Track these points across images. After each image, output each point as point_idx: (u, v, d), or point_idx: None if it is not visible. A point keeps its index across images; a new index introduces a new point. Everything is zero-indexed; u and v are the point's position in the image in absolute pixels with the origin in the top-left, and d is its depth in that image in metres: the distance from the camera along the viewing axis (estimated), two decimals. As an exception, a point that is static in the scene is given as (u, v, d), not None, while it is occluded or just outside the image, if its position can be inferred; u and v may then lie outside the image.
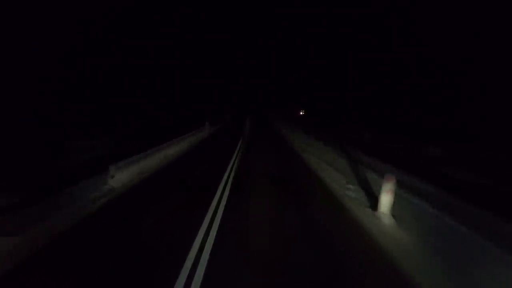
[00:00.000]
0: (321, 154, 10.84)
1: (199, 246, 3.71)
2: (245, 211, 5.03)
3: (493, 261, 3.40)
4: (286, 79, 51.82)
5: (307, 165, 9.46)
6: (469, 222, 4.34)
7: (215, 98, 47.21)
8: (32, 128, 14.48)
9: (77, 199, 5.17)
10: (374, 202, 5.60)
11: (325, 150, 11.75)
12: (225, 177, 7.29)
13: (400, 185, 5.95)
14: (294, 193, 6.28)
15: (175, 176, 7.36)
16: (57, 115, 17.27)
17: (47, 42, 18.91)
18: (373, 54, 31.63)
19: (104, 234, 4.02)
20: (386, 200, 5.00)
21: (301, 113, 41.96)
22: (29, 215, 4.36)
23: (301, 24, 43.90)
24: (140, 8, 27.29)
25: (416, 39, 25.95)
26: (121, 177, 6.61)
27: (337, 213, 5.22)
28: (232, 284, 3.04)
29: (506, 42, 17.67)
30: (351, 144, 15.19)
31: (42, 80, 18.25)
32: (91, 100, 20.68)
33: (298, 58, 47.02)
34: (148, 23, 27.80)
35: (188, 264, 3.30)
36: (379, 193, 5.27)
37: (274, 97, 55.78)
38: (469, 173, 9.62)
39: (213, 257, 3.47)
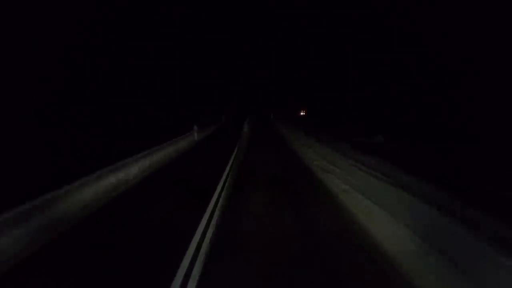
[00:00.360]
0: (353, 178, 6.24)
1: None
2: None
3: None
4: (286, 79, 51.73)
5: (342, 205, 5.33)
6: None
7: (215, 98, 47.17)
8: (32, 128, 14.47)
9: None
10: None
11: (353, 168, 6.67)
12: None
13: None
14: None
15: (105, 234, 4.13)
16: (57, 115, 17.24)
17: (47, 42, 18.91)
18: (373, 54, 31.62)
19: None
20: None
21: (301, 113, 41.86)
22: None
23: (301, 24, 43.88)
24: (140, 8, 27.32)
25: (416, 39, 25.94)
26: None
27: None
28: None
29: (506, 42, 17.64)
30: (372, 153, 9.94)
31: (42, 80, 18.21)
32: (91, 100, 20.64)
33: (298, 58, 46.96)
34: (148, 23, 27.81)
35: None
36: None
37: (274, 97, 55.64)
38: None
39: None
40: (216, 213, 4.80)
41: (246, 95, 58.36)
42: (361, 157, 7.80)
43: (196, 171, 8.09)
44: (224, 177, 7.09)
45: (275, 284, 2.97)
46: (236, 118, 34.41)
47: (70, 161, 8.40)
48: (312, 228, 4.36)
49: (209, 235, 4.02)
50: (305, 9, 43.21)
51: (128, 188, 6.30)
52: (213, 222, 4.45)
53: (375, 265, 3.29)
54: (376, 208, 4.67)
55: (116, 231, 4.24)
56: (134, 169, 7.15)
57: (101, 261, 3.41)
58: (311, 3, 42.93)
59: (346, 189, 6.07)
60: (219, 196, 5.67)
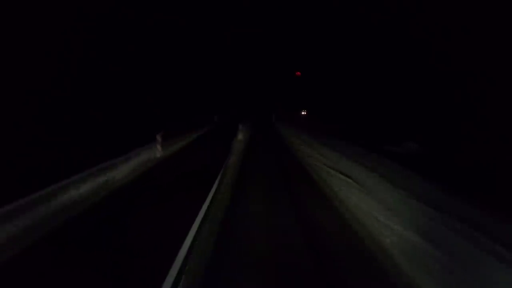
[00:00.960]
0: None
1: None
2: None
3: None
4: (286, 78, 50.54)
5: None
6: None
7: (216, 97, 45.89)
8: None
9: None
10: None
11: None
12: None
13: None
14: None
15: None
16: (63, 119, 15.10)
17: (47, 42, 17.33)
18: (374, 52, 30.04)
19: None
20: None
21: (302, 112, 40.48)
22: None
23: (302, 21, 42.30)
24: (140, 8, 25.71)
25: (416, 37, 24.26)
26: None
27: None
28: None
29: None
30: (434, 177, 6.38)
31: (40, 82, 16.49)
32: (94, 104, 18.58)
33: (298, 57, 45.60)
34: (148, 23, 26.23)
35: None
36: None
37: (275, 97, 54.56)
38: None
39: None
40: None
41: (247, 95, 57.00)
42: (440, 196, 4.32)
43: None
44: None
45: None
46: (233, 118, 31.04)
47: None
48: None
49: None
50: (306, 8, 41.52)
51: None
52: None
53: None
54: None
55: None
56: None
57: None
58: (312, 3, 41.25)
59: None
60: None
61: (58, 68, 17.16)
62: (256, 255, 3.46)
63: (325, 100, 39.87)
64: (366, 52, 31.09)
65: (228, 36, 45.16)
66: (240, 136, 14.05)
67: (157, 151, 9.56)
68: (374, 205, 4.87)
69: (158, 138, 9.65)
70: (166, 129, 10.71)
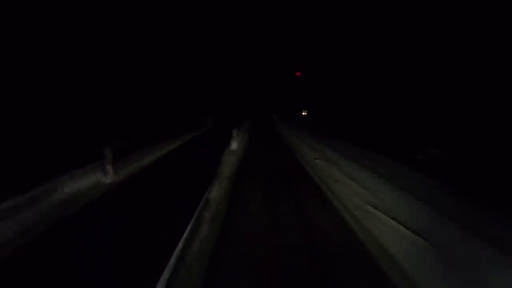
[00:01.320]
0: None
1: None
2: None
3: None
4: (288, 79, 50.46)
5: None
6: None
7: (216, 97, 45.85)
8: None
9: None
10: None
11: None
12: None
13: None
14: None
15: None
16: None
17: (47, 42, 17.28)
18: (374, 52, 29.96)
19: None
20: None
21: (303, 113, 40.45)
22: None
23: (302, 22, 42.29)
24: (140, 8, 25.70)
25: (418, 36, 24.18)
26: None
27: None
28: None
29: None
30: None
31: (40, 82, 16.44)
32: (95, 105, 18.53)
33: (298, 57, 45.51)
34: (148, 23, 26.20)
35: None
36: None
37: (275, 97, 54.46)
38: None
39: None
40: None
41: (246, 93, 56.92)
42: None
43: None
44: None
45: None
46: (231, 120, 28.82)
47: None
48: None
49: None
50: (307, 8, 41.49)
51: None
52: None
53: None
54: None
55: None
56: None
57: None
58: (312, 3, 41.23)
59: None
60: None
61: (58, 68, 17.21)
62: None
63: (325, 100, 39.83)
64: (366, 52, 31.01)
65: (228, 36, 45.22)
66: (234, 146, 11.07)
67: (107, 174, 6.65)
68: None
69: (108, 153, 6.65)
70: (122, 140, 8.14)
